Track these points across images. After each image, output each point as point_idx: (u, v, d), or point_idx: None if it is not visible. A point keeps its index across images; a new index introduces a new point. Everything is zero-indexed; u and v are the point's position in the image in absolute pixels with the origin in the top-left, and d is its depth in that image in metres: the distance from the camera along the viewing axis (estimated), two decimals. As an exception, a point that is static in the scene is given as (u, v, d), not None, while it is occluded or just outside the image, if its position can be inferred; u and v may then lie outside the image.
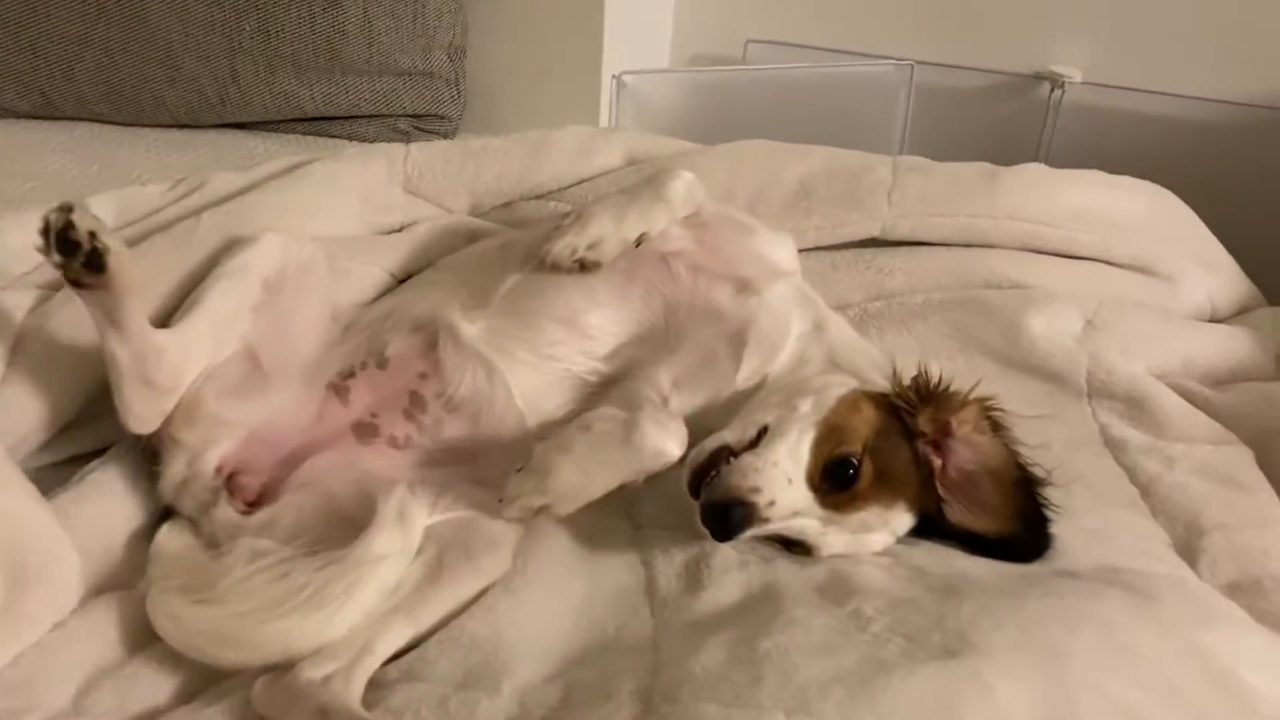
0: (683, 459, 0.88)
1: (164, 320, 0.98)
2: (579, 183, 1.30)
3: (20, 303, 1.00)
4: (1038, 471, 0.94)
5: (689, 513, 0.88)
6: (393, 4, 1.77)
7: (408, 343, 1.00)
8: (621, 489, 0.87)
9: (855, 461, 0.88)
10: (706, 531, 0.85)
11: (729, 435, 0.90)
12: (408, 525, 0.85)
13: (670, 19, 2.15)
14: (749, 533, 0.86)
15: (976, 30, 1.97)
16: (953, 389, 0.94)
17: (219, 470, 0.93)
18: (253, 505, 0.93)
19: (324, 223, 1.16)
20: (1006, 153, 1.53)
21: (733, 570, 0.88)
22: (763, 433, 0.89)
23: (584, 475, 0.86)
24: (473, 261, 1.11)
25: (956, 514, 0.93)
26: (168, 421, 0.93)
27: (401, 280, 1.16)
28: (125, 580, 0.88)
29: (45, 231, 0.82)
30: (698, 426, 0.90)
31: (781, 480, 0.86)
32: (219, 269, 1.00)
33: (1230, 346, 1.24)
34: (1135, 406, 1.12)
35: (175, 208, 1.14)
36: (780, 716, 0.69)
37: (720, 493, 0.85)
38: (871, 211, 1.27)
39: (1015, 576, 0.87)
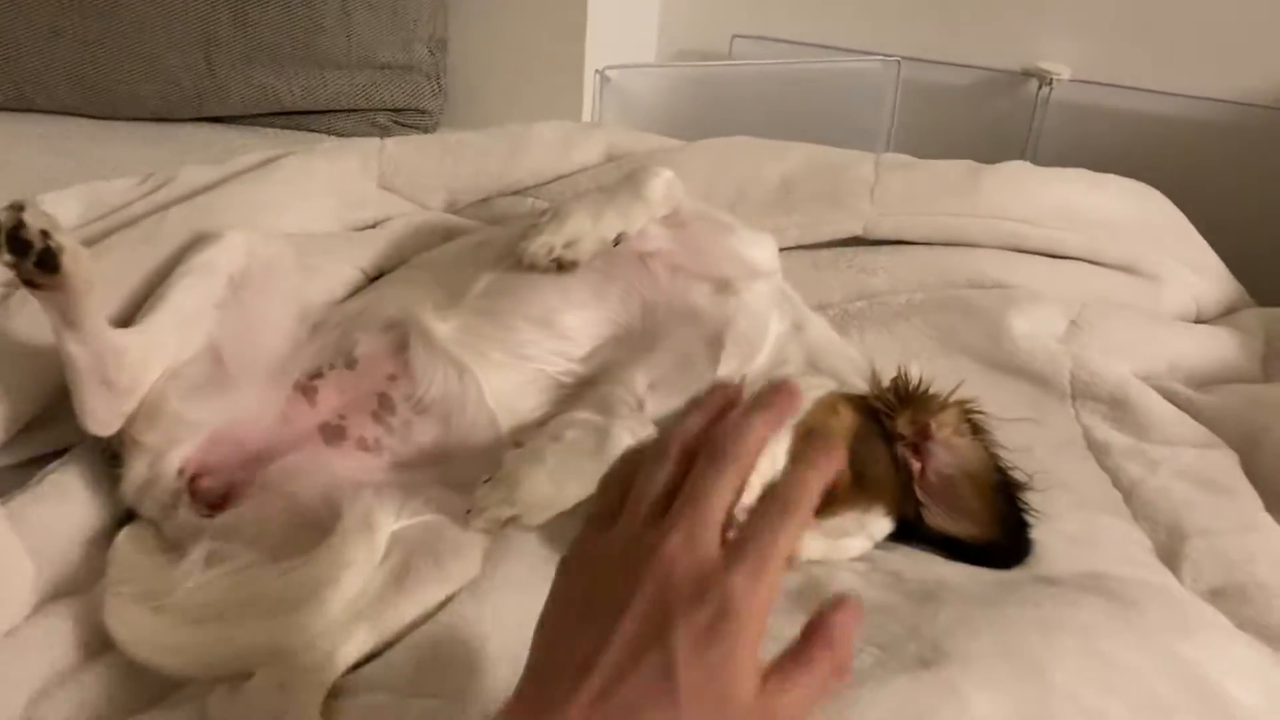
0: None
1: (128, 318, 0.95)
2: (558, 179, 1.28)
3: (-21, 302, 0.98)
4: (1018, 475, 0.92)
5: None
6: (372, -4, 1.75)
7: (377, 342, 0.98)
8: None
9: (833, 466, 0.87)
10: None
11: (705, 439, 0.88)
12: (373, 530, 0.82)
13: (655, 13, 2.13)
14: None
15: (964, 26, 1.96)
16: (932, 391, 0.93)
17: (181, 472, 0.91)
18: (216, 508, 0.91)
19: (295, 218, 1.14)
20: (994, 150, 1.51)
21: (706, 576, 0.86)
22: (739, 436, 0.87)
23: (555, 486, 0.84)
24: (447, 259, 1.09)
25: (935, 518, 0.92)
26: (129, 422, 0.91)
27: (375, 278, 1.13)
28: (83, 585, 0.86)
29: (-4, 231, 0.80)
30: (674, 430, 0.88)
31: (757, 484, 0.84)
32: (183, 266, 0.97)
33: (1216, 348, 1.22)
34: (1119, 409, 1.11)
35: (143, 203, 1.12)
36: (748, 730, 0.68)
37: None
38: (853, 210, 1.26)
39: (994, 583, 0.85)
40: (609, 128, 1.49)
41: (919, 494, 0.91)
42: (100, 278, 0.87)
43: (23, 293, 0.97)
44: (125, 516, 0.93)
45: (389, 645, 0.80)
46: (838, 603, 0.52)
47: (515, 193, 1.27)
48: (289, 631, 0.77)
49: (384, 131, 1.79)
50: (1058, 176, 1.32)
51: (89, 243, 1.02)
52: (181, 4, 1.72)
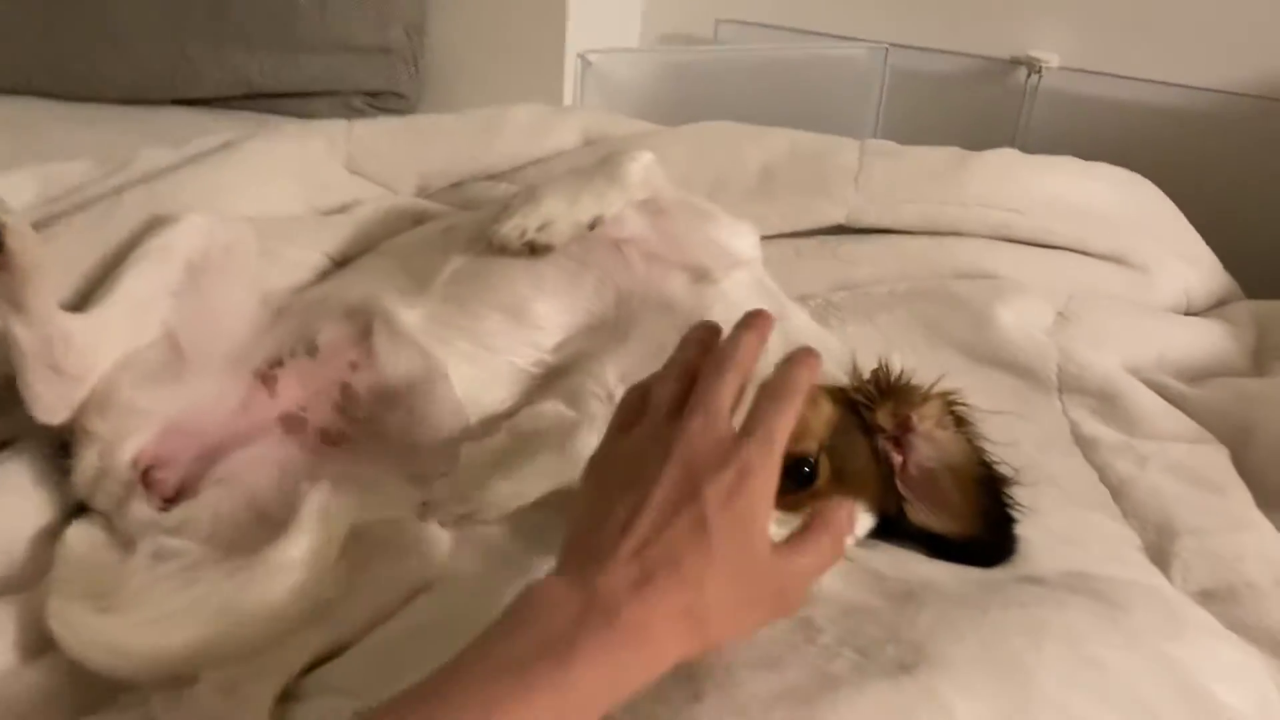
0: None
1: (81, 304, 0.92)
2: (532, 163, 1.24)
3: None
4: (1003, 470, 0.89)
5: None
6: (348, -23, 1.71)
7: (340, 329, 0.94)
8: (557, 491, 0.82)
9: (812, 460, 0.83)
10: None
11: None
12: (329, 527, 0.79)
13: (639, -3, 2.10)
14: None
15: (952, 13, 1.94)
16: (914, 383, 0.89)
17: (134, 463, 0.88)
18: (171, 501, 0.88)
19: (257, 202, 1.10)
20: (982, 138, 1.49)
21: (678, 575, 0.83)
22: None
23: (516, 483, 0.81)
24: (415, 244, 1.05)
25: (918, 514, 0.88)
26: (80, 411, 0.87)
27: (341, 264, 1.10)
28: (28, 582, 0.83)
29: (-63, 210, 0.77)
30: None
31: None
32: (138, 249, 0.94)
33: (1206, 341, 1.20)
34: (1107, 402, 1.08)
35: (101, 185, 1.08)
36: (719, 737, 0.65)
37: None
38: (836, 197, 1.23)
39: (978, 583, 0.82)
40: (586, 111, 1.45)
41: (900, 488, 0.88)
42: (51, 261, 0.84)
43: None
44: (76, 510, 0.90)
45: (344, 647, 0.76)
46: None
47: (489, 177, 1.24)
48: (237, 633, 0.74)
49: (359, 115, 1.75)
50: (1047, 165, 1.30)
51: (44, 225, 0.98)
52: (153, -16, 1.68)
